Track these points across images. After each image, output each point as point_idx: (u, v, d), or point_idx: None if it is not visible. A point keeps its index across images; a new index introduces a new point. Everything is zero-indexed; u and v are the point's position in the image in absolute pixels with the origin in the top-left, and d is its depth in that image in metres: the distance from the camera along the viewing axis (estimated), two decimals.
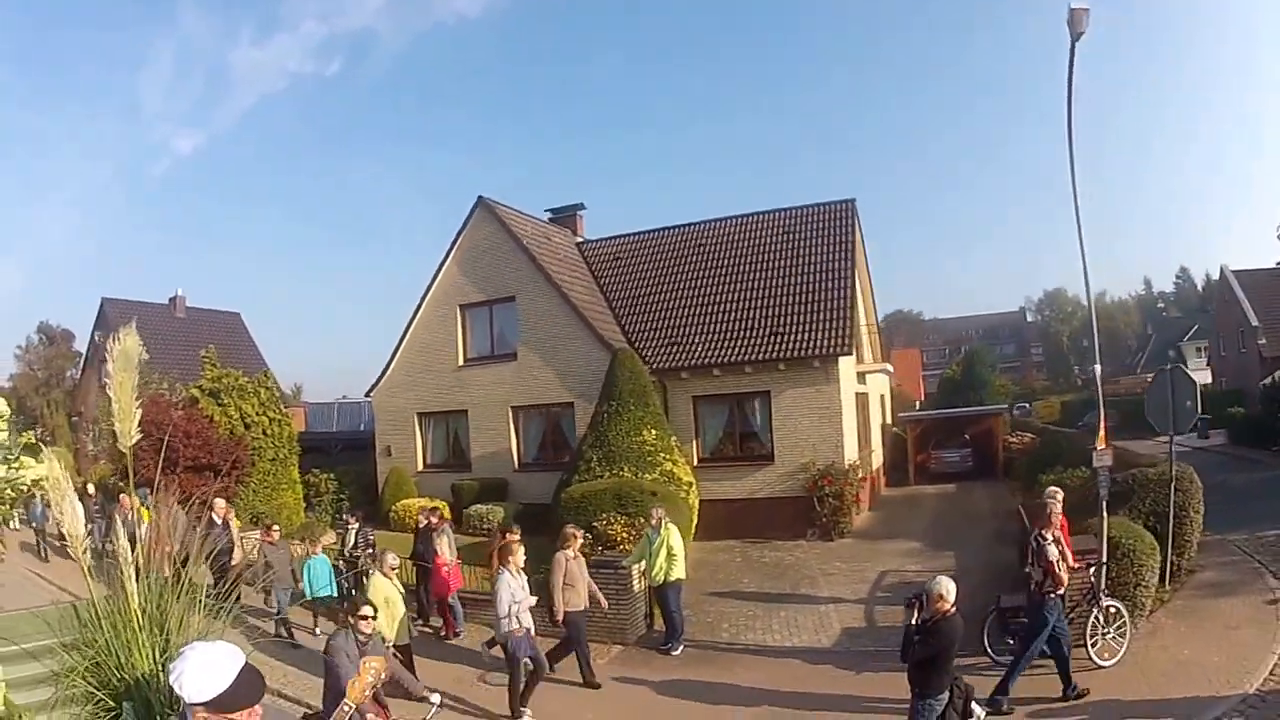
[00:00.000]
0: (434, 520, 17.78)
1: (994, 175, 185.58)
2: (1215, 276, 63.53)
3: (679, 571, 15.35)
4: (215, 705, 3.21)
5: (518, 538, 13.60)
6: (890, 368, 34.09)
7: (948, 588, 9.01)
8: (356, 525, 19.70)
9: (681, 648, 15.02)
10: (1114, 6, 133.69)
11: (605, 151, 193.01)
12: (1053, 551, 11.38)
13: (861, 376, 29.70)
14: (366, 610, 9.17)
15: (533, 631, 12.36)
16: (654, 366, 26.06)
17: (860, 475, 25.05)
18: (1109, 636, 12.63)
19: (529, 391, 27.29)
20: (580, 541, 14.29)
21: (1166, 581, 15.10)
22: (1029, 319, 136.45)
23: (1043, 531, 11.63)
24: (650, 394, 23.71)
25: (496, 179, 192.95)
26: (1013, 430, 41.23)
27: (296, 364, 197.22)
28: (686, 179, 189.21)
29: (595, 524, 18.69)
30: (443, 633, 16.66)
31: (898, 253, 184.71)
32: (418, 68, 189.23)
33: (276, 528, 18.38)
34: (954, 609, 9.01)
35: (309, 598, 16.54)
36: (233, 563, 16.67)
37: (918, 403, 58.69)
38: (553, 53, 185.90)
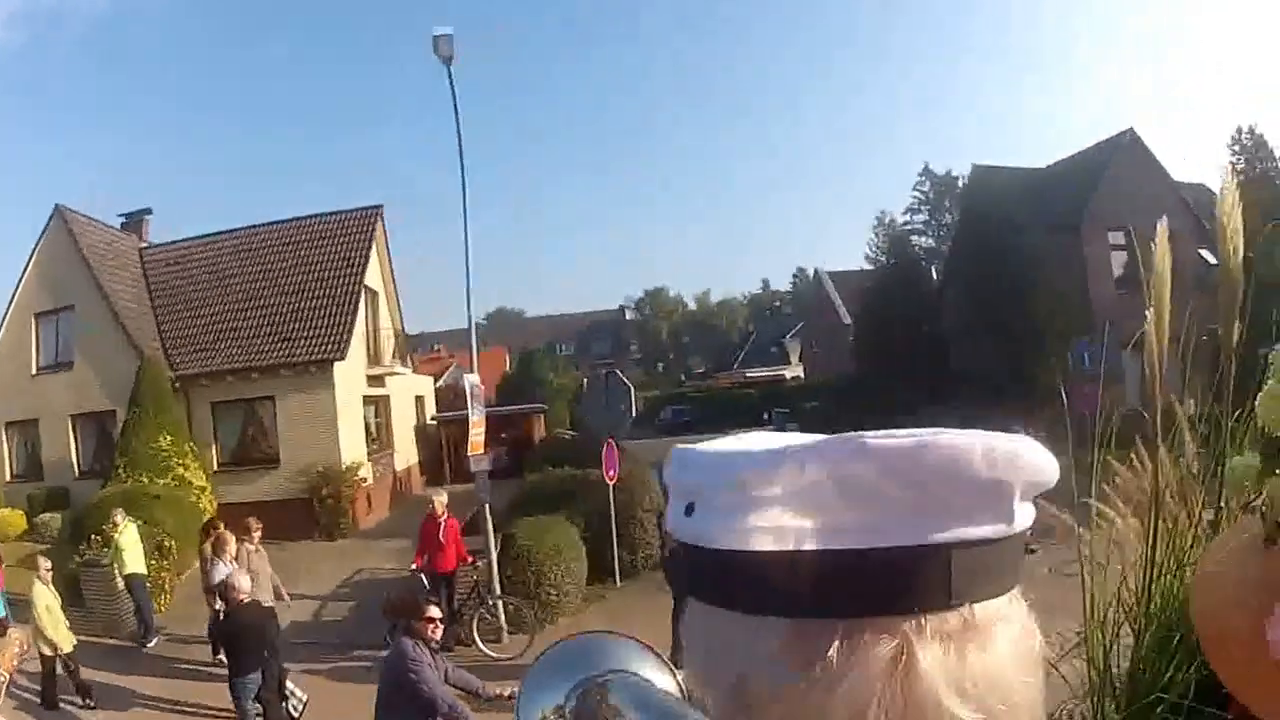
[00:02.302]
0: None
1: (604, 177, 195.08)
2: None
3: (134, 566, 16.26)
4: None
5: (222, 528, 14.28)
6: (407, 370, 35.61)
7: (240, 582, 10.31)
8: None
9: (156, 640, 16.11)
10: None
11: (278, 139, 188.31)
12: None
13: (381, 379, 31.82)
14: (434, 611, 8.11)
15: None
16: (180, 374, 27.59)
17: (360, 477, 26.91)
18: (506, 631, 14.27)
19: (83, 400, 27.82)
20: (258, 533, 14.61)
21: (618, 578, 16.84)
22: (628, 316, 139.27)
23: None
24: (169, 400, 25.49)
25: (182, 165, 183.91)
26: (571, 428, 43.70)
27: None
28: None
29: (104, 527, 18.70)
30: None
31: (515, 249, 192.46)
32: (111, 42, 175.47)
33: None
34: (248, 599, 10.31)
35: None
36: None
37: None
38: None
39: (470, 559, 14.83)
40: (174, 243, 34.42)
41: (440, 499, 15.09)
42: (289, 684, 10.99)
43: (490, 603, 14.45)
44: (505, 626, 14.49)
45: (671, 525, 0.72)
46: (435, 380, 73.12)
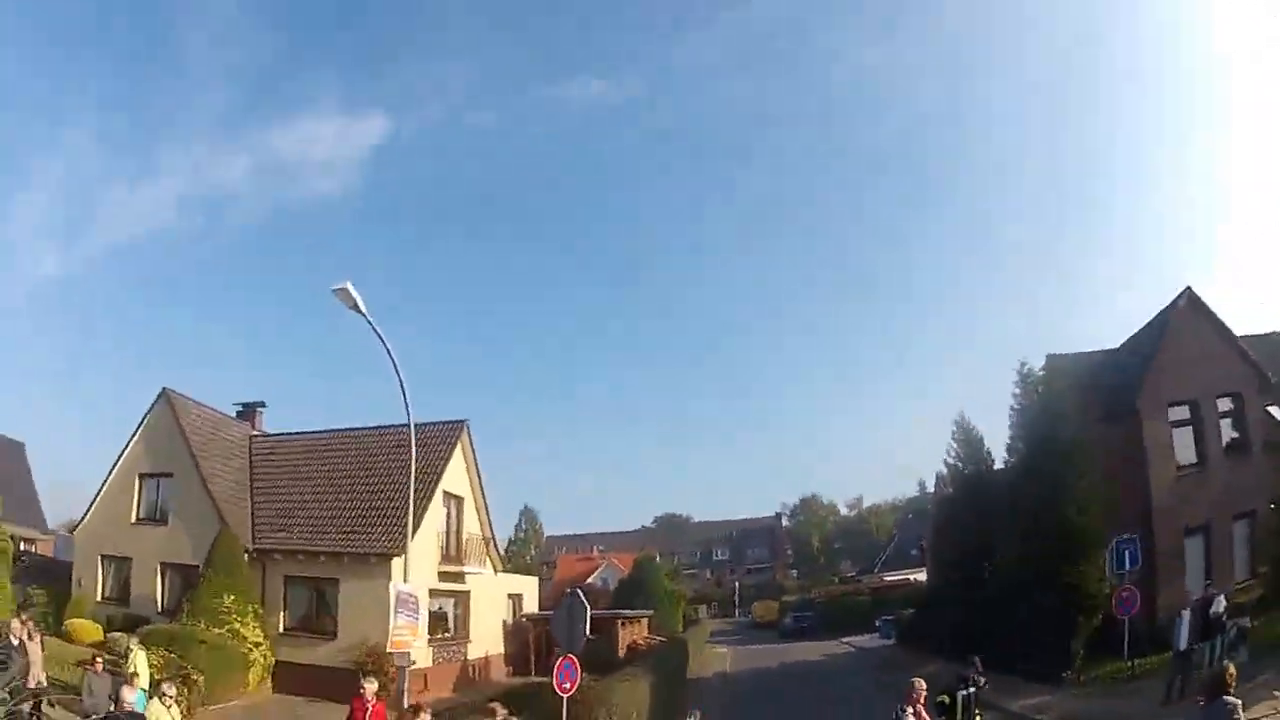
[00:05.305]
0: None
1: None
2: None
3: (143, 682, 17.94)
4: None
5: (425, 707, 15.24)
6: (484, 570, 39.28)
7: (130, 697, 13.30)
8: None
9: None
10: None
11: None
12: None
13: (460, 576, 35.73)
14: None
15: None
16: (259, 546, 32.16)
17: (411, 661, 26.78)
18: None
19: (173, 552, 32.65)
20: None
21: None
22: (785, 523, 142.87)
23: (903, 706, 13.36)
24: (240, 567, 29.67)
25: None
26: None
27: None
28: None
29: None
30: None
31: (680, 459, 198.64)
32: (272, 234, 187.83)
33: (100, 658, 19.59)
34: (130, 707, 13.11)
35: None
36: (28, 684, 17.53)
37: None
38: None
39: None
40: (278, 434, 40.27)
41: (371, 685, 16.20)
42: None
43: None
44: None
45: None
46: (586, 577, 75.41)
